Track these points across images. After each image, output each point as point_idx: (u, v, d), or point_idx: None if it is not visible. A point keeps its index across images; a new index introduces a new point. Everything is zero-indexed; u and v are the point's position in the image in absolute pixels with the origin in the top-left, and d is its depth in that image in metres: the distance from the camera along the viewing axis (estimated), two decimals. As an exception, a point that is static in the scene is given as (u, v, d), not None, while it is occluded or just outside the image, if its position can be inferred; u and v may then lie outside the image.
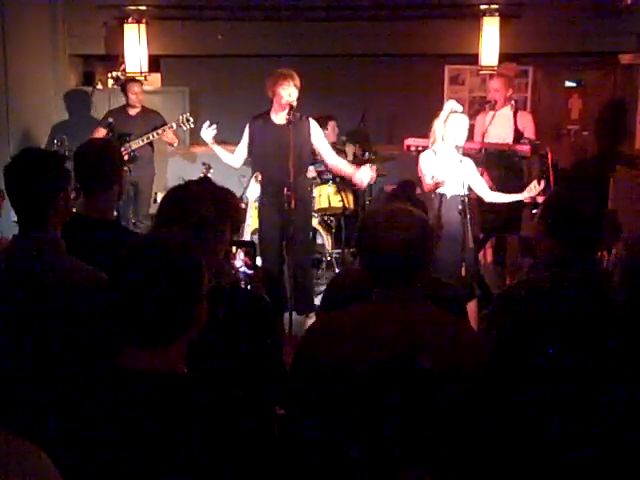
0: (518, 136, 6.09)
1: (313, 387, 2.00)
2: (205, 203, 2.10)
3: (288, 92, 4.86)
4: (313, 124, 5.11)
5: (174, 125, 6.57)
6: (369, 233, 2.00)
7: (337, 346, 1.97)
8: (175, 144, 6.68)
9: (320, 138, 5.17)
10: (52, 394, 1.67)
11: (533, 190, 4.78)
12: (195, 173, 6.12)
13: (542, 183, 4.80)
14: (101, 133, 6.31)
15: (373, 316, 2.00)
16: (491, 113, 6.20)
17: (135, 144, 6.43)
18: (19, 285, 2.22)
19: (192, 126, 6.67)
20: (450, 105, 4.82)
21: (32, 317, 2.20)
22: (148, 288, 1.49)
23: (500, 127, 6.15)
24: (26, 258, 2.26)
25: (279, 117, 5.03)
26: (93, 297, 2.15)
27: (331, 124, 6.96)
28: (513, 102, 6.32)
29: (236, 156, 5.30)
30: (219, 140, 5.37)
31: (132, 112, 6.62)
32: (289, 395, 2.14)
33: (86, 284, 2.20)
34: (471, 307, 4.74)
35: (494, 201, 4.95)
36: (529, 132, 6.15)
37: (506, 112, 6.22)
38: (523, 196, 4.86)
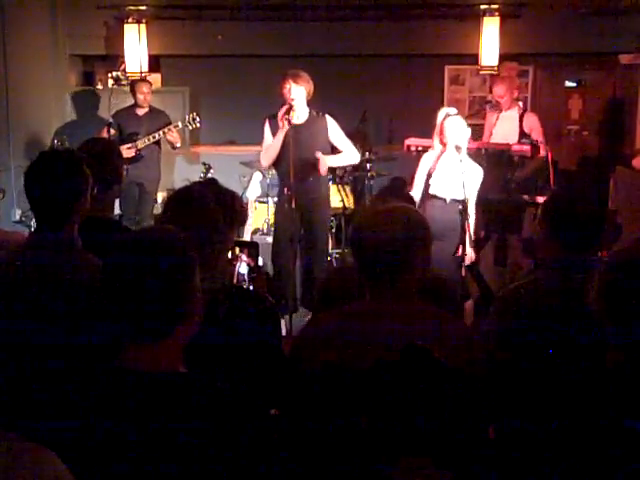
0: (523, 138, 6.08)
1: (308, 385, 2.01)
2: (209, 205, 2.10)
3: (287, 89, 4.91)
4: (328, 121, 5.14)
5: (180, 124, 6.54)
6: (358, 231, 2.02)
7: (329, 345, 1.98)
8: (178, 144, 6.65)
9: (336, 134, 5.16)
10: (55, 391, 1.68)
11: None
12: (196, 173, 6.14)
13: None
14: (103, 133, 6.29)
15: (363, 315, 2.01)
16: (496, 114, 6.20)
17: (141, 143, 6.41)
18: (35, 281, 2.24)
19: (198, 125, 6.67)
20: (443, 112, 4.81)
21: (47, 314, 2.21)
22: (136, 281, 1.50)
23: (505, 128, 6.14)
24: (43, 255, 2.27)
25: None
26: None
27: None
28: (521, 104, 6.31)
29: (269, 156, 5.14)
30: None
31: (140, 112, 6.60)
32: (285, 393, 2.14)
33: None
34: (467, 307, 4.75)
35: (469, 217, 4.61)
36: (536, 133, 6.12)
37: (512, 114, 6.20)
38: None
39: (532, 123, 6.22)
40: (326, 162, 5.02)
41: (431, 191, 4.68)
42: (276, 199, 5.48)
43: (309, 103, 5.07)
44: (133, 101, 6.64)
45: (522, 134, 6.10)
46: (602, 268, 1.80)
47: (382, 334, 1.92)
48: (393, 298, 1.99)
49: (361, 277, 2.05)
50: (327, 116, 5.13)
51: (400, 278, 1.98)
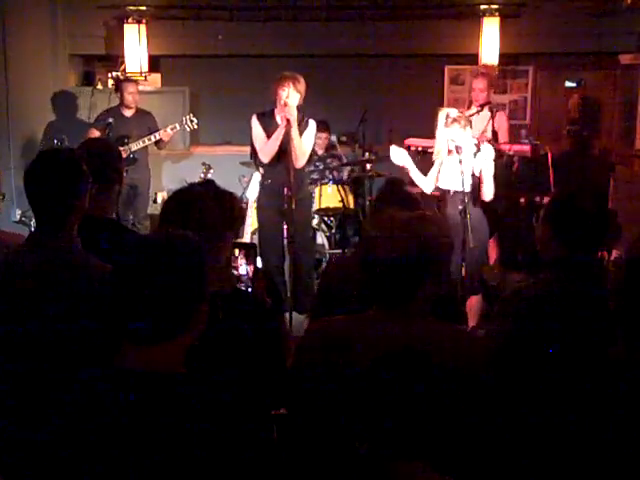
0: (494, 137, 6.06)
1: (312, 388, 2.00)
2: (207, 206, 2.10)
3: (286, 93, 4.90)
4: (309, 125, 5.11)
5: (177, 126, 6.52)
6: (370, 250, 1.97)
7: (334, 355, 1.96)
8: (166, 140, 6.55)
9: (304, 136, 5.07)
10: (54, 393, 1.68)
11: None
12: (195, 174, 6.13)
13: None
14: (96, 134, 6.14)
15: (369, 329, 1.97)
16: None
17: (135, 145, 6.37)
18: (34, 281, 2.24)
19: (195, 127, 6.66)
20: (444, 113, 4.83)
21: (46, 313, 2.21)
22: (150, 283, 1.50)
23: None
24: (43, 254, 2.27)
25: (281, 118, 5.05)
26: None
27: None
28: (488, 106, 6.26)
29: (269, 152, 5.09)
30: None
31: (127, 113, 6.54)
32: (289, 395, 2.14)
33: (102, 282, 2.20)
34: (472, 301, 4.78)
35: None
36: (502, 133, 6.11)
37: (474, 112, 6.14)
38: None
39: (501, 123, 6.18)
40: (294, 116, 4.89)
41: (439, 184, 4.90)
42: (258, 198, 5.41)
43: (300, 106, 5.04)
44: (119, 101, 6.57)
45: (493, 133, 6.09)
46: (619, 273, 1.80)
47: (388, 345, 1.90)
48: (400, 315, 1.95)
49: (369, 292, 2.01)
50: (311, 121, 5.11)
51: (410, 297, 1.94)
